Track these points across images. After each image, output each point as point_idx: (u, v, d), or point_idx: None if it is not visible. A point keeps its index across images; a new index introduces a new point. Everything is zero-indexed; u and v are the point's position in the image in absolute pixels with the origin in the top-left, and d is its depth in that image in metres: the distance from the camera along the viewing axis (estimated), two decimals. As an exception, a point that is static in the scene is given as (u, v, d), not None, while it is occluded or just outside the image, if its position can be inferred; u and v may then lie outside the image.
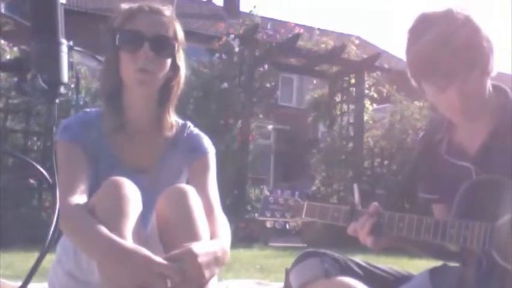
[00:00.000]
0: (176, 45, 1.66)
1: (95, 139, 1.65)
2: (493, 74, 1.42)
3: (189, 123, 1.79)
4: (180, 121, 1.78)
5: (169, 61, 1.66)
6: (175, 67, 1.68)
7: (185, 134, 1.76)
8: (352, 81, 9.72)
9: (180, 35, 1.68)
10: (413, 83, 1.46)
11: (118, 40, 1.61)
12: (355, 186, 1.58)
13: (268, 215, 1.66)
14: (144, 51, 1.58)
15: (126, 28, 1.62)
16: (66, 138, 1.62)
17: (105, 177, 1.53)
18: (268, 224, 1.68)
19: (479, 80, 1.40)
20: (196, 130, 1.79)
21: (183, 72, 1.72)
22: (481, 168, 1.42)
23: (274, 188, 1.74)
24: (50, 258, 1.66)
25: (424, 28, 1.39)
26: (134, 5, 1.64)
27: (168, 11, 1.66)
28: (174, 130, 1.73)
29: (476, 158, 1.44)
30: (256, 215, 1.71)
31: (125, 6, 1.66)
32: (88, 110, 1.73)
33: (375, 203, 1.51)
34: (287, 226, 1.67)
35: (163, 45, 1.62)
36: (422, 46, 1.37)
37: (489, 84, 1.44)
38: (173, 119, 1.73)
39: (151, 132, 1.71)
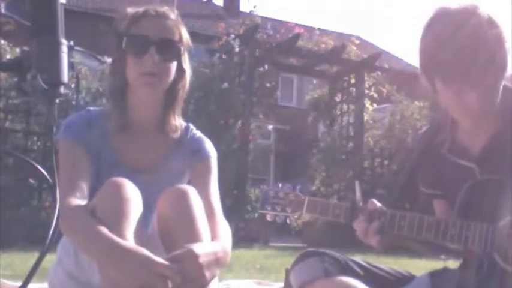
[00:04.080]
0: (182, 48, 1.66)
1: (97, 138, 1.65)
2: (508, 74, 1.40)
3: (191, 126, 1.79)
4: (183, 123, 1.78)
5: (175, 64, 1.66)
6: (181, 70, 1.69)
7: (188, 136, 1.76)
8: (352, 81, 9.71)
9: (186, 37, 1.68)
10: (424, 80, 1.42)
11: (124, 44, 1.61)
12: (357, 183, 1.58)
13: (269, 208, 1.66)
14: (150, 55, 1.58)
15: (132, 32, 1.62)
16: (69, 136, 1.62)
17: (106, 175, 1.53)
18: (268, 218, 1.67)
19: (498, 83, 1.37)
20: (198, 133, 1.79)
21: (188, 75, 1.72)
22: (484, 169, 1.42)
23: (273, 184, 1.73)
24: (50, 258, 1.66)
25: (448, 25, 1.34)
26: (140, 9, 1.64)
27: (173, 14, 1.67)
28: (179, 132, 1.73)
29: (480, 158, 1.43)
30: (256, 214, 1.71)
31: (131, 10, 1.66)
32: (91, 108, 1.73)
33: (373, 200, 1.50)
34: (288, 220, 1.66)
35: (169, 48, 1.63)
36: (447, 46, 1.32)
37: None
38: (178, 121, 1.73)
39: (155, 133, 1.71)
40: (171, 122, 1.70)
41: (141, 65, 1.59)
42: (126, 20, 1.64)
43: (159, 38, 1.60)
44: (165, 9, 1.66)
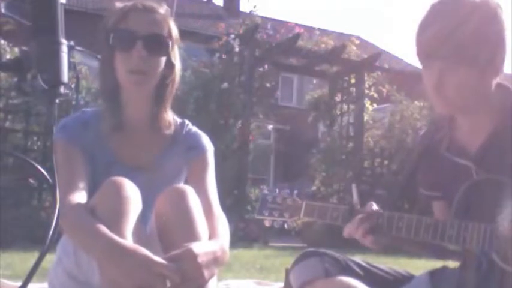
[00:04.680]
0: (170, 43, 1.65)
1: (92, 138, 1.65)
2: (498, 73, 1.39)
3: (187, 122, 1.79)
4: (178, 119, 1.77)
5: (163, 59, 1.65)
6: (170, 65, 1.68)
7: (184, 132, 1.76)
8: (352, 81, 9.72)
9: (175, 32, 1.67)
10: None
11: (112, 39, 1.61)
12: (354, 187, 1.58)
13: (266, 214, 1.66)
14: (137, 50, 1.58)
15: (119, 27, 1.61)
16: (64, 137, 1.62)
17: (103, 175, 1.53)
18: (266, 223, 1.68)
19: (467, 74, 1.36)
20: (194, 128, 1.79)
21: (178, 70, 1.71)
22: (481, 167, 1.42)
23: (273, 187, 1.73)
24: (50, 258, 1.66)
25: (451, 20, 1.35)
26: (128, 4, 1.63)
27: (162, 9, 1.65)
28: (172, 128, 1.72)
29: (477, 157, 1.44)
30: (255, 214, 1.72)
31: (119, 4, 1.65)
32: (85, 110, 1.73)
33: (372, 203, 1.51)
34: (285, 226, 1.67)
35: (156, 43, 1.62)
36: (448, 43, 1.34)
37: (492, 82, 1.41)
38: (171, 117, 1.73)
39: (149, 130, 1.71)
40: (163, 117, 1.70)
41: (129, 61, 1.59)
42: (114, 16, 1.63)
43: (146, 33, 1.60)
44: (153, 3, 1.64)
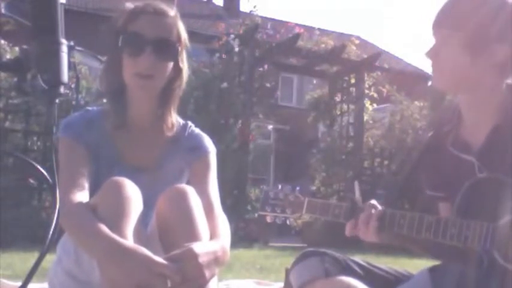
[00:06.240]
0: (179, 48, 1.65)
1: (96, 137, 1.65)
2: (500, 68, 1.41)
3: (190, 123, 1.79)
4: (181, 121, 1.78)
5: (171, 64, 1.65)
6: (177, 69, 1.68)
7: (186, 134, 1.76)
8: (352, 81, 9.72)
9: (184, 36, 1.67)
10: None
11: (121, 42, 1.60)
12: (356, 184, 1.58)
13: (269, 210, 1.66)
14: (146, 56, 1.57)
15: (129, 29, 1.60)
16: (68, 135, 1.62)
17: (105, 174, 1.53)
18: (268, 219, 1.68)
19: (459, 52, 1.39)
20: (197, 130, 1.79)
21: (185, 73, 1.71)
22: (483, 163, 1.42)
23: (274, 184, 1.73)
24: (50, 258, 1.67)
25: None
26: (139, 5, 1.62)
27: (172, 11, 1.64)
28: (175, 129, 1.73)
29: (480, 152, 1.44)
30: (256, 214, 1.72)
31: (129, 5, 1.64)
32: (90, 108, 1.73)
33: (373, 201, 1.51)
34: (287, 222, 1.67)
35: (165, 48, 1.61)
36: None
37: (501, 80, 1.43)
38: (174, 119, 1.73)
39: (153, 131, 1.71)
40: (167, 120, 1.70)
41: (136, 64, 1.58)
42: (124, 17, 1.62)
43: (155, 37, 1.59)
44: (164, 6, 1.63)
